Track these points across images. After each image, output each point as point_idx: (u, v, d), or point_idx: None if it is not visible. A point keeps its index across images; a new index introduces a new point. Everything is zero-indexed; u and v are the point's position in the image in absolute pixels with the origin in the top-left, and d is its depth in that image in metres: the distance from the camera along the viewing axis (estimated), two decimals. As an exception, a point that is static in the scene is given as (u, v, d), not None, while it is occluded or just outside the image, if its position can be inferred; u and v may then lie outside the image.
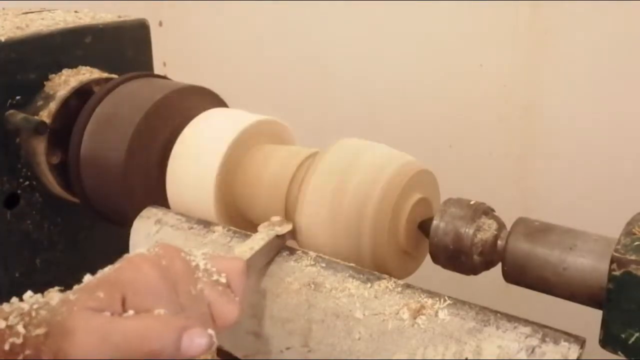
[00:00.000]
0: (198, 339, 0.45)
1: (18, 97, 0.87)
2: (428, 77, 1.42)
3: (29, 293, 0.45)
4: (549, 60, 1.27)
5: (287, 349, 0.61)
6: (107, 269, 0.47)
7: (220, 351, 0.67)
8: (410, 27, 1.41)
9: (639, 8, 1.13)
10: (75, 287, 0.46)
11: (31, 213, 0.90)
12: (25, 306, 0.44)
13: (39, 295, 0.45)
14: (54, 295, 0.45)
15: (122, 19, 0.99)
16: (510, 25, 1.30)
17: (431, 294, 0.57)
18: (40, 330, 0.42)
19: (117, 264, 0.48)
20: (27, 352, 0.42)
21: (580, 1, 1.20)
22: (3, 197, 0.87)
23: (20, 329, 0.42)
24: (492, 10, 1.30)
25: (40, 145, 0.86)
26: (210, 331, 0.46)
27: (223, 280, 0.52)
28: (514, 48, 1.31)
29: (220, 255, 0.56)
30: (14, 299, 0.45)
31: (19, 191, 0.88)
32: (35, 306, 0.43)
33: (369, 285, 0.59)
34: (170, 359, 0.44)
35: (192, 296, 0.49)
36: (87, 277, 0.46)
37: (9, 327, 0.42)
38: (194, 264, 0.51)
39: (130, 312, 0.44)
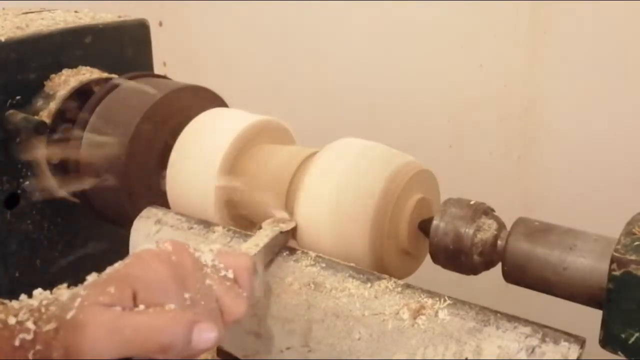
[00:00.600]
0: (207, 334, 0.45)
1: (18, 97, 0.87)
2: (428, 77, 1.42)
3: (38, 290, 0.46)
4: (549, 60, 1.27)
5: (287, 349, 0.61)
6: (117, 265, 0.47)
7: (220, 351, 0.67)
8: (410, 27, 1.41)
9: (639, 8, 1.13)
10: (85, 283, 0.46)
11: (31, 213, 0.90)
12: (34, 302, 0.44)
13: (47, 292, 0.45)
14: (63, 291, 0.45)
15: (122, 19, 0.99)
16: (510, 25, 1.30)
17: (431, 294, 0.57)
18: (50, 326, 0.42)
19: (127, 260, 0.48)
20: (38, 347, 0.42)
21: (580, 1, 1.20)
22: (3, 197, 0.87)
23: (30, 325, 0.42)
24: (492, 10, 1.30)
25: (40, 145, 0.86)
26: (219, 326, 0.46)
27: (230, 275, 0.52)
28: (514, 48, 1.30)
29: (227, 251, 0.56)
30: (23, 296, 0.45)
31: (19, 191, 0.88)
32: (44, 302, 0.44)
33: (369, 285, 0.59)
34: (179, 354, 0.44)
35: (200, 291, 0.49)
36: (93, 276, 0.46)
37: (19, 323, 0.42)
38: (202, 260, 0.52)
39: (141, 306, 0.45)
